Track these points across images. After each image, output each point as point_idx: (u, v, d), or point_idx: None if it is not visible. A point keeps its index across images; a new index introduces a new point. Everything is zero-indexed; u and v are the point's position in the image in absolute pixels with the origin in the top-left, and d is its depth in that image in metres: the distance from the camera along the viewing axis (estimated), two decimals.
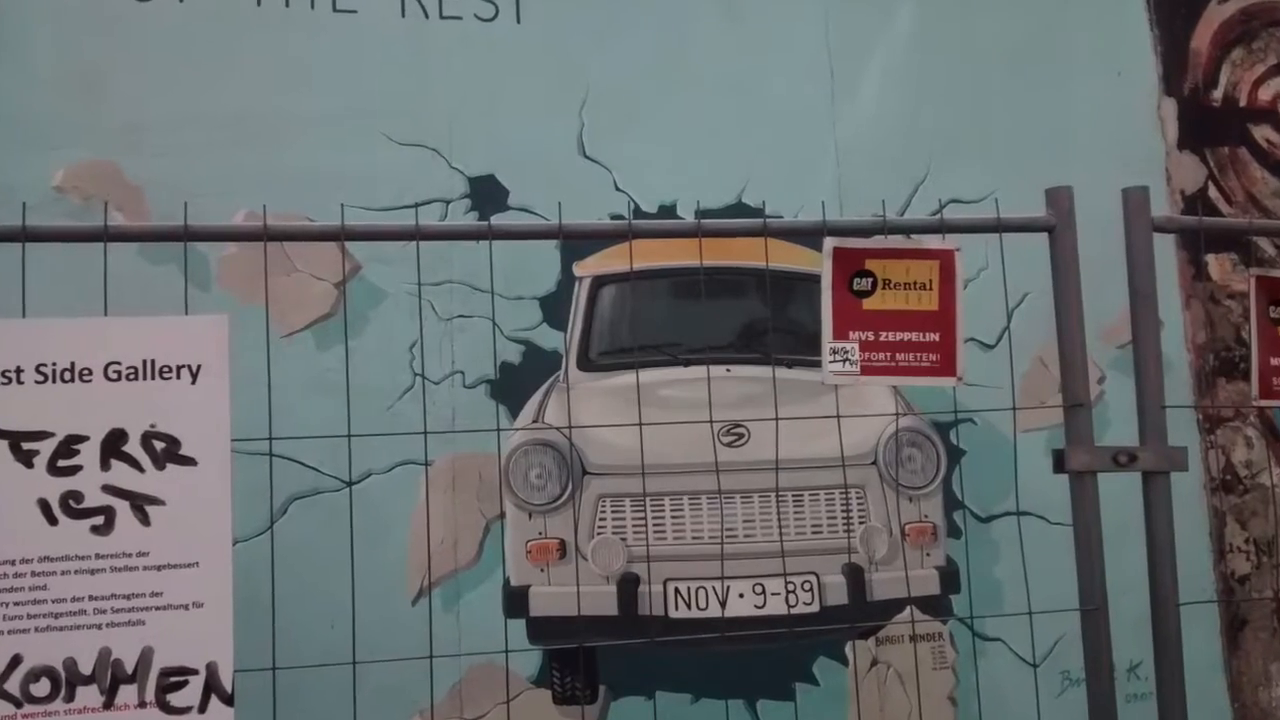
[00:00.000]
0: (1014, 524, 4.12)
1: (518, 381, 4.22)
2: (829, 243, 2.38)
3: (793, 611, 3.93)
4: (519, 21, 4.46)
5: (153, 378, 2.00)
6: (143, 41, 4.15)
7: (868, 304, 2.38)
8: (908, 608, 4.12)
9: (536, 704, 4.01)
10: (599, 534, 4.00)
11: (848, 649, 4.23)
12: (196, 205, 2.24)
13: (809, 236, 2.53)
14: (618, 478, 3.97)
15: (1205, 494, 4.68)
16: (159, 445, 1.98)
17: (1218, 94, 5.05)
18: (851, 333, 2.37)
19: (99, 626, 1.93)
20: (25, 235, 2.15)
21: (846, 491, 4.05)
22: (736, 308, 4.28)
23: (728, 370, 4.09)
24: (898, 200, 4.51)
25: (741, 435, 3.95)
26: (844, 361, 2.36)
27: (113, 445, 1.97)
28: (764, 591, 3.97)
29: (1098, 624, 2.42)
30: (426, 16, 4.38)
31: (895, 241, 2.43)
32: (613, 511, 4.00)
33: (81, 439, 1.96)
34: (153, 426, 1.99)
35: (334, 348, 4.02)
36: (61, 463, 1.95)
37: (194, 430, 2.00)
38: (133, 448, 1.98)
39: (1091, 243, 2.53)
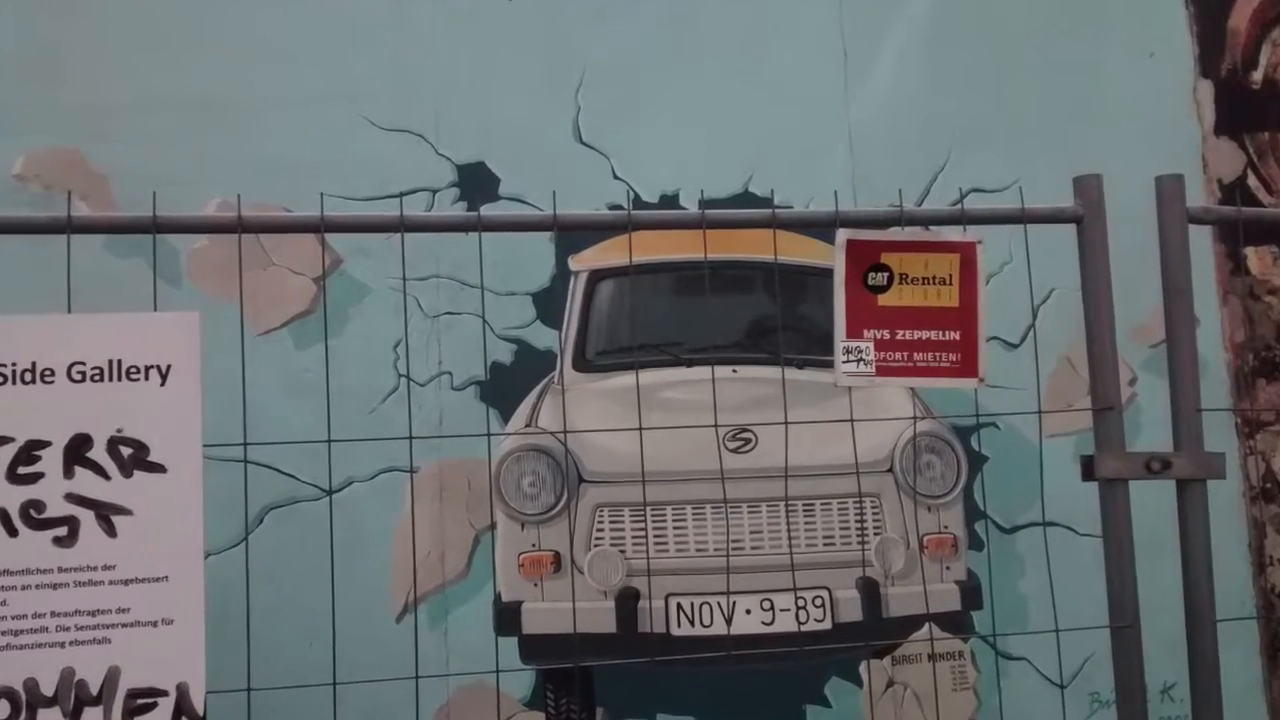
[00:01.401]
0: (1040, 535, 4.12)
1: (509, 383, 4.23)
2: (842, 235, 2.38)
3: (803, 629, 3.94)
4: None
5: (119, 379, 2.00)
6: (106, 20, 4.15)
7: (883, 300, 2.38)
8: (926, 625, 4.12)
9: None
10: (596, 546, 4.00)
11: (862, 669, 4.23)
12: (165, 195, 2.24)
13: (821, 228, 2.53)
14: (616, 486, 3.97)
15: (1244, 503, 4.68)
16: (126, 451, 1.98)
17: (1257, 76, 5.05)
18: (866, 331, 2.37)
19: (62, 645, 1.93)
20: None
21: (861, 501, 4.06)
22: (743, 304, 4.28)
23: (734, 371, 4.09)
24: (915, 189, 4.51)
25: (749, 440, 3.95)
26: (858, 361, 2.36)
27: (76, 451, 1.97)
28: (773, 607, 3.97)
29: (1129, 642, 2.42)
30: None
31: (913, 233, 2.43)
32: (611, 522, 4.00)
33: (43, 444, 1.96)
34: (119, 431, 1.99)
35: (313, 347, 4.02)
36: (22, 470, 1.95)
37: (163, 435, 2.00)
38: (98, 454, 1.98)
39: (1122, 235, 2.53)
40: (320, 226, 2.30)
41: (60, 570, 1.95)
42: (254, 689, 2.21)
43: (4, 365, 1.97)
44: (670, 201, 4.38)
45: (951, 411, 4.20)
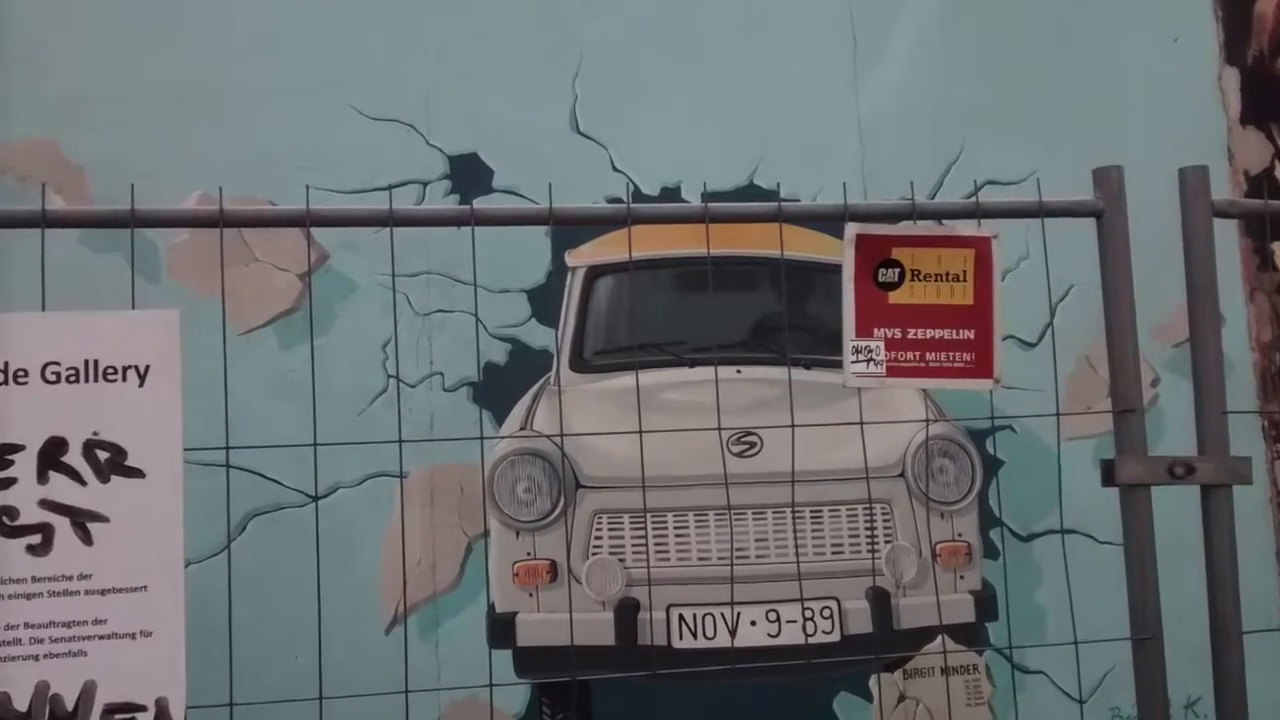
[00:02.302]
0: (1058, 543, 4.11)
1: (503, 384, 4.22)
2: (851, 229, 2.38)
3: (811, 641, 3.93)
4: None
5: (96, 380, 2.00)
6: (84, 6, 4.15)
7: (894, 297, 2.38)
8: (939, 637, 4.12)
9: None
10: (594, 554, 4.00)
11: (872, 683, 4.23)
12: (144, 187, 2.24)
13: (829, 222, 2.53)
14: (615, 491, 3.97)
15: (1271, 510, 4.68)
16: (103, 455, 1.98)
17: None
18: (876, 329, 2.37)
19: (36, 658, 1.93)
20: None
21: (871, 507, 4.05)
22: (747, 302, 4.28)
23: (738, 371, 4.09)
24: (928, 182, 4.51)
25: (753, 444, 3.95)
26: (868, 362, 2.36)
27: (51, 455, 1.97)
28: (779, 619, 3.97)
29: (1151, 655, 2.42)
30: None
31: (925, 228, 2.43)
32: (610, 529, 4.00)
33: (16, 448, 1.96)
34: (95, 434, 1.99)
35: (298, 346, 4.02)
36: None
37: (142, 438, 2.00)
38: (73, 458, 1.97)
39: (1144, 229, 2.53)
40: (306, 220, 2.30)
41: (34, 580, 1.95)
42: (236, 704, 2.21)
43: None
44: (672, 194, 4.38)
45: (965, 414, 4.20)
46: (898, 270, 2.38)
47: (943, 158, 4.58)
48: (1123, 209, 2.49)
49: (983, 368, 2.41)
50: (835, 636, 4.00)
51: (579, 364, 4.24)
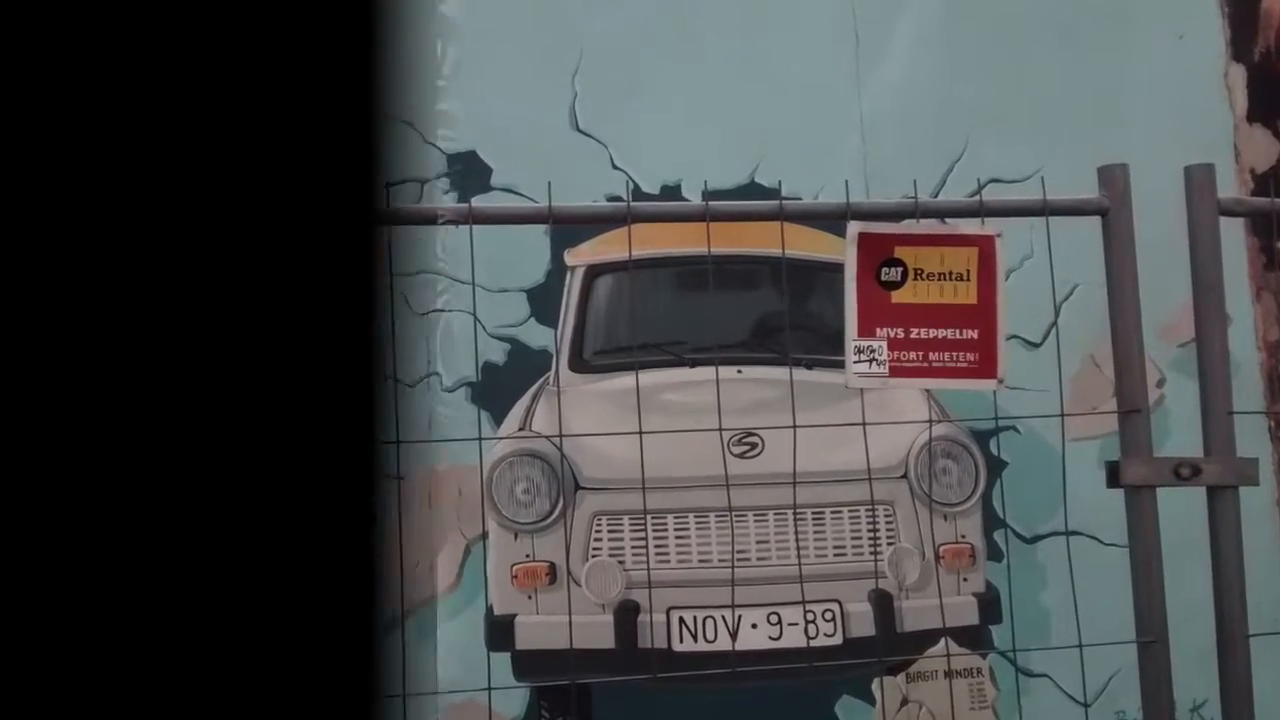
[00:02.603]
0: (1062, 545, 4.10)
1: (502, 384, 4.22)
2: (853, 228, 2.38)
3: (813, 644, 3.93)
4: None
5: None
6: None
7: (897, 297, 2.38)
8: (942, 640, 4.12)
9: None
10: (594, 556, 3.99)
11: (874, 686, 4.22)
12: None
13: (831, 220, 2.53)
14: (615, 493, 3.97)
15: (1278, 511, 4.68)
16: None
17: None
18: (879, 329, 2.37)
19: None
20: None
21: (873, 509, 4.05)
22: (749, 301, 4.28)
23: (739, 371, 4.08)
24: (931, 180, 4.50)
25: (755, 445, 3.95)
26: (870, 362, 2.36)
27: None
28: (780, 622, 3.96)
29: (1157, 658, 2.41)
30: None
31: (928, 226, 2.43)
32: (609, 531, 4.00)
33: None
34: None
35: None
36: None
37: None
38: None
39: (1150, 228, 2.53)
40: None
41: None
42: None
43: None
44: (672, 193, 4.38)
45: (969, 414, 4.19)
46: (900, 269, 2.38)
47: (946, 156, 4.58)
48: (1128, 207, 2.49)
49: (986, 368, 2.41)
50: (837, 639, 3.99)
51: (578, 364, 4.24)
